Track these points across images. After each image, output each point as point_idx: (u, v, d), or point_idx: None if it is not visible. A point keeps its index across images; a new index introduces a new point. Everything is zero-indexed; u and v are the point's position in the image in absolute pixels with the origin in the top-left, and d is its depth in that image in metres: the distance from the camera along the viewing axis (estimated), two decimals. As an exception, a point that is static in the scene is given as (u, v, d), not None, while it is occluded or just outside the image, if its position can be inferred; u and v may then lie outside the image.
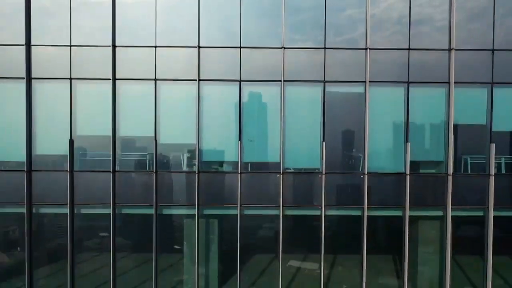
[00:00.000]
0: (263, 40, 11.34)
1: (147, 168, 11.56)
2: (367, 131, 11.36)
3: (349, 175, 11.69)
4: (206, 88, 11.46)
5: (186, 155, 11.69)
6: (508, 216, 11.77)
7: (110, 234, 11.45)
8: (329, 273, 11.74)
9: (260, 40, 11.34)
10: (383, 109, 11.57)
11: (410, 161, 11.47)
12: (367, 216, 11.46)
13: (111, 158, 11.40)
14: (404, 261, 11.58)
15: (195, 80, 11.33)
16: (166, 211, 11.71)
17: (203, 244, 11.73)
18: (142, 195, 11.55)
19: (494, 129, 11.49)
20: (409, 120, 11.48)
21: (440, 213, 11.66)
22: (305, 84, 11.47)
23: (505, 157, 11.65)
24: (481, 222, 11.65)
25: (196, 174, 11.45)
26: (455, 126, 11.48)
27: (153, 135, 11.44)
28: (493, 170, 11.41)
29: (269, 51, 11.34)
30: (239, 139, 11.42)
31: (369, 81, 11.33)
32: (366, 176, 11.41)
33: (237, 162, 11.44)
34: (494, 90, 11.41)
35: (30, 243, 11.55)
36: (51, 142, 11.53)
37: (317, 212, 11.55)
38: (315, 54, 11.35)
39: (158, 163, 11.43)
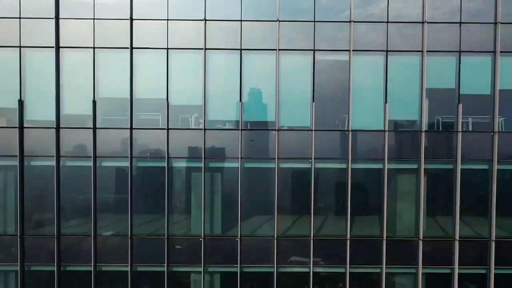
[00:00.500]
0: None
1: (160, 126, 13.29)
2: (351, 94, 13.09)
3: (335, 132, 13.41)
4: (212, 56, 13.16)
5: (194, 115, 13.42)
6: (474, 169, 13.54)
7: (129, 184, 13.19)
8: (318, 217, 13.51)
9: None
10: (365, 75, 13.31)
11: (389, 120, 13.22)
12: (351, 168, 13.22)
13: (129, 118, 13.12)
14: (383, 206, 13.32)
15: (202, 49, 13.06)
16: (176, 164, 13.44)
17: (209, 194, 13.47)
18: (155, 149, 13.30)
19: (461, 92, 13.23)
20: (388, 84, 13.20)
21: (415, 166, 13.42)
22: (297, 53, 13.20)
23: (472, 117, 13.39)
24: (451, 174, 13.41)
25: (203, 131, 13.20)
26: (428, 89, 13.22)
27: (166, 97, 13.17)
28: (460, 127, 13.16)
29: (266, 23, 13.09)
30: (240, 100, 13.14)
31: (353, 50, 13.07)
32: (350, 133, 13.16)
33: (238, 121, 13.20)
34: (462, 58, 13.16)
35: (58, 194, 13.26)
36: (77, 104, 13.25)
37: (308, 165, 13.29)
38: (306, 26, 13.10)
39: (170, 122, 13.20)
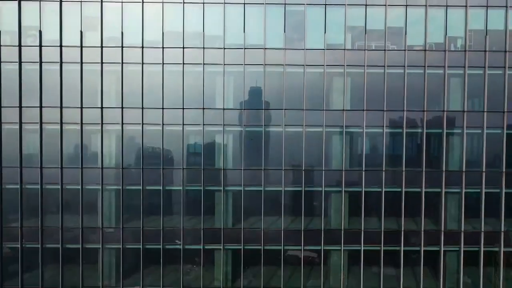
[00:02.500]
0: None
1: (199, 46, 23.79)
2: (306, 27, 23.57)
3: (297, 50, 23.84)
4: (227, 8, 23.61)
5: (218, 41, 23.90)
6: (377, 72, 23.97)
7: (182, 81, 23.65)
8: (288, 100, 23.98)
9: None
10: (314, 18, 23.76)
11: (327, 44, 23.69)
12: (306, 72, 23.70)
13: (182, 42, 23.60)
14: (324, 95, 23.80)
15: (222, 3, 23.54)
16: (208, 69, 23.89)
17: (227, 89, 23.92)
18: (196, 59, 23.75)
19: (368, 28, 23.71)
20: (327, 23, 23.65)
21: (341, 70, 23.89)
22: (275, 5, 23.65)
23: (374, 43, 23.85)
24: (362, 75, 23.87)
25: (223, 50, 23.70)
26: (349, 26, 23.70)
27: (202, 30, 23.66)
28: (366, 47, 23.65)
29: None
30: (244, 32, 23.60)
31: (306, 4, 23.54)
32: (305, 51, 23.62)
33: (243, 43, 23.66)
34: (368, 9, 23.62)
35: (142, 89, 23.75)
36: (153, 34, 23.69)
37: (281, 69, 23.76)
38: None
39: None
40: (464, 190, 24.03)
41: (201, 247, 24.11)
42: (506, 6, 23.55)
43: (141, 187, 23.86)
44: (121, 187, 23.88)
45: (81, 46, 23.56)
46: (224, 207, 24.29)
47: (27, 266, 24.06)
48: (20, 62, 23.51)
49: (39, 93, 23.56)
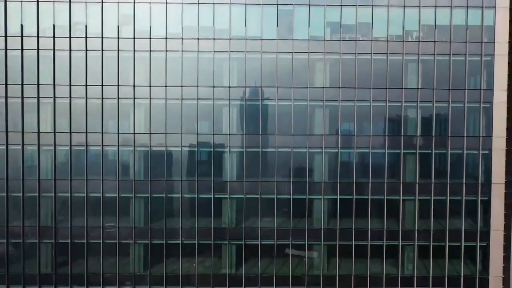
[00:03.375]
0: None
1: (210, 37, 30.27)
2: (294, 21, 30.07)
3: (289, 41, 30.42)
4: (233, 8, 30.08)
5: (224, 34, 30.39)
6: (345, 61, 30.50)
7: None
8: (280, 80, 30.54)
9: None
10: (303, 16, 30.23)
11: (311, 36, 30.20)
12: (294, 58, 30.20)
13: (197, 33, 30.12)
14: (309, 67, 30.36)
15: (228, 4, 30.02)
16: (218, 56, 30.41)
17: (232, 66, 30.46)
18: (208, 44, 30.28)
19: (342, 22, 30.21)
20: (310, 21, 30.16)
21: (320, 56, 30.40)
22: (267, 4, 30.18)
23: (348, 35, 30.36)
24: (338, 62, 30.40)
25: (229, 41, 30.20)
26: (328, 22, 30.21)
27: (212, 24, 30.16)
28: (340, 37, 30.19)
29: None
30: (245, 26, 30.10)
31: (295, 4, 30.03)
32: (293, 41, 30.13)
33: (244, 35, 30.17)
34: (342, 9, 30.11)
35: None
36: (171, 29, 30.21)
37: (273, 55, 30.27)
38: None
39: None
40: (418, 151, 30.61)
41: (212, 196, 30.68)
42: (451, 6, 30.07)
43: (164, 148, 30.44)
44: (149, 148, 30.44)
45: (118, 38, 30.08)
46: (229, 165, 30.86)
47: (74, 211, 30.62)
48: (70, 50, 30.02)
49: (85, 74, 30.10)
